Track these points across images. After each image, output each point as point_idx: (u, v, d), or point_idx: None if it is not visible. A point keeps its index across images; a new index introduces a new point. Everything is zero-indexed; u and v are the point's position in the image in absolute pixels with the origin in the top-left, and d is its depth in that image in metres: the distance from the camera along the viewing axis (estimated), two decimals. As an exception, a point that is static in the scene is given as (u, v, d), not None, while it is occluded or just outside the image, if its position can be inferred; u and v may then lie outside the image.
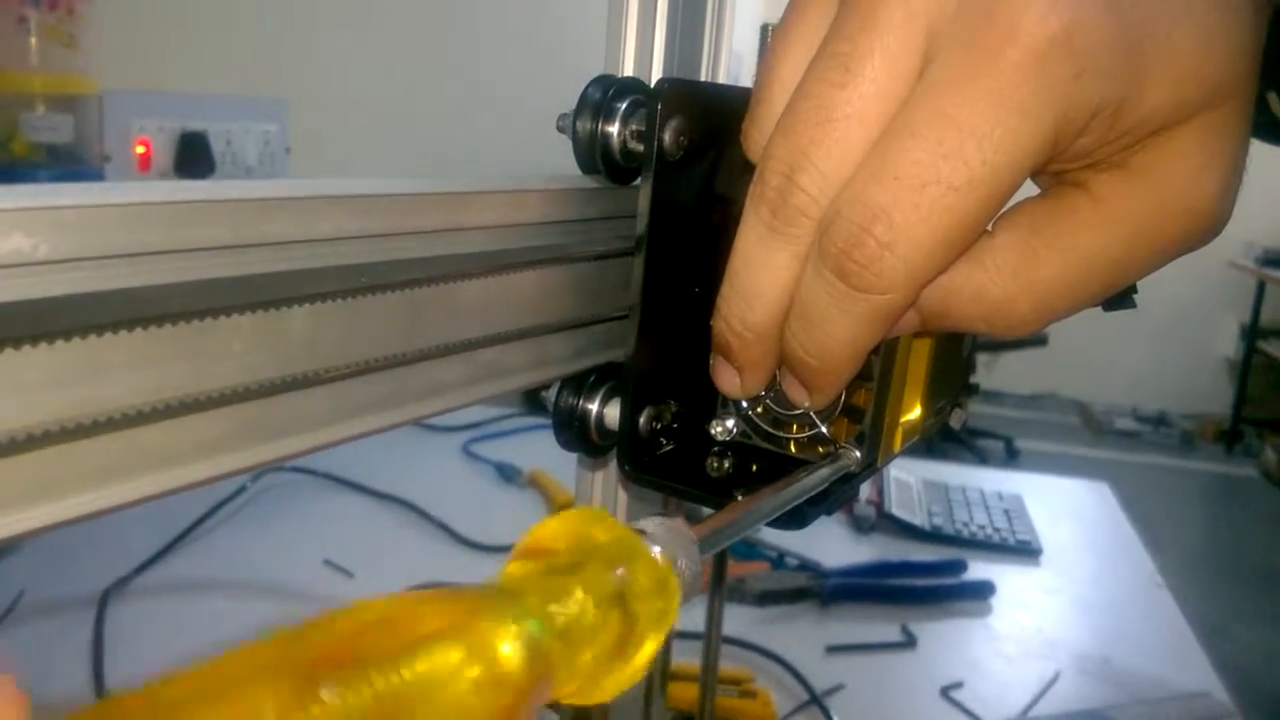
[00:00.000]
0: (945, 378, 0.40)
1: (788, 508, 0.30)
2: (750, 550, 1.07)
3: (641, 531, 0.21)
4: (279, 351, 0.23)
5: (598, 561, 0.19)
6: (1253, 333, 4.61)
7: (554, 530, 0.19)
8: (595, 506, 0.42)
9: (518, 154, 1.21)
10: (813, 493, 0.31)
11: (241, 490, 1.11)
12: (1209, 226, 0.27)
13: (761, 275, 0.28)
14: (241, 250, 0.22)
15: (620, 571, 0.19)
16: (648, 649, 0.19)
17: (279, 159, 1.53)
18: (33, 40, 1.14)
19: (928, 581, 1.05)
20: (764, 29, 0.38)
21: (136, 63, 1.32)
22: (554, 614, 0.17)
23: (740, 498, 0.35)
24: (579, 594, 0.18)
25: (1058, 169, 0.27)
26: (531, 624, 0.16)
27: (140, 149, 1.30)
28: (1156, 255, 0.27)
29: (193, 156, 1.36)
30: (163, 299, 0.20)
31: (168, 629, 0.88)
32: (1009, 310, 0.27)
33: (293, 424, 0.24)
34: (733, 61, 0.44)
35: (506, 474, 1.25)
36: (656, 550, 0.20)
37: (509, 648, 0.16)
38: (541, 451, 1.27)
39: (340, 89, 1.70)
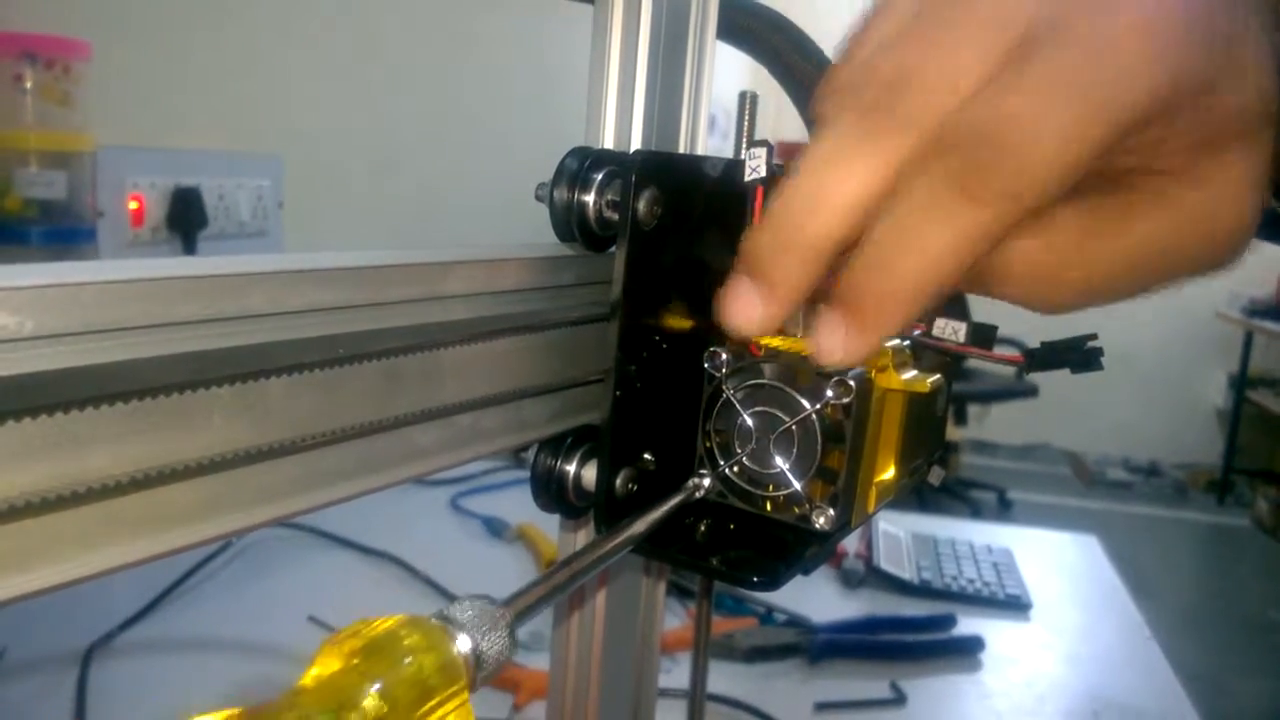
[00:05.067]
0: (919, 438, 0.41)
1: (599, 568, 0.31)
2: (738, 605, 1.07)
3: (448, 619, 0.23)
4: (257, 421, 0.23)
5: (394, 658, 0.20)
6: (1241, 382, 4.64)
7: (361, 628, 0.21)
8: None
9: (508, 211, 1.22)
10: (612, 560, 0.32)
11: (226, 547, 1.11)
12: (1241, 243, 0.29)
13: (838, 181, 0.26)
14: (221, 323, 0.22)
15: (409, 663, 0.21)
16: None
17: (272, 214, 1.55)
18: (28, 99, 1.16)
19: (917, 637, 1.05)
20: (742, 95, 0.40)
21: (131, 119, 1.34)
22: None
23: (716, 562, 0.35)
24: (372, 697, 0.19)
25: (1127, 165, 0.28)
26: None
27: (133, 205, 1.31)
28: (1194, 261, 0.29)
29: (186, 212, 1.37)
30: (143, 373, 0.21)
31: (151, 687, 0.87)
32: (1057, 280, 0.28)
33: (272, 491, 0.24)
34: (720, 117, 0.45)
35: (494, 528, 1.25)
36: (460, 637, 0.22)
37: None
38: (530, 505, 1.26)
39: (333, 145, 1.72)
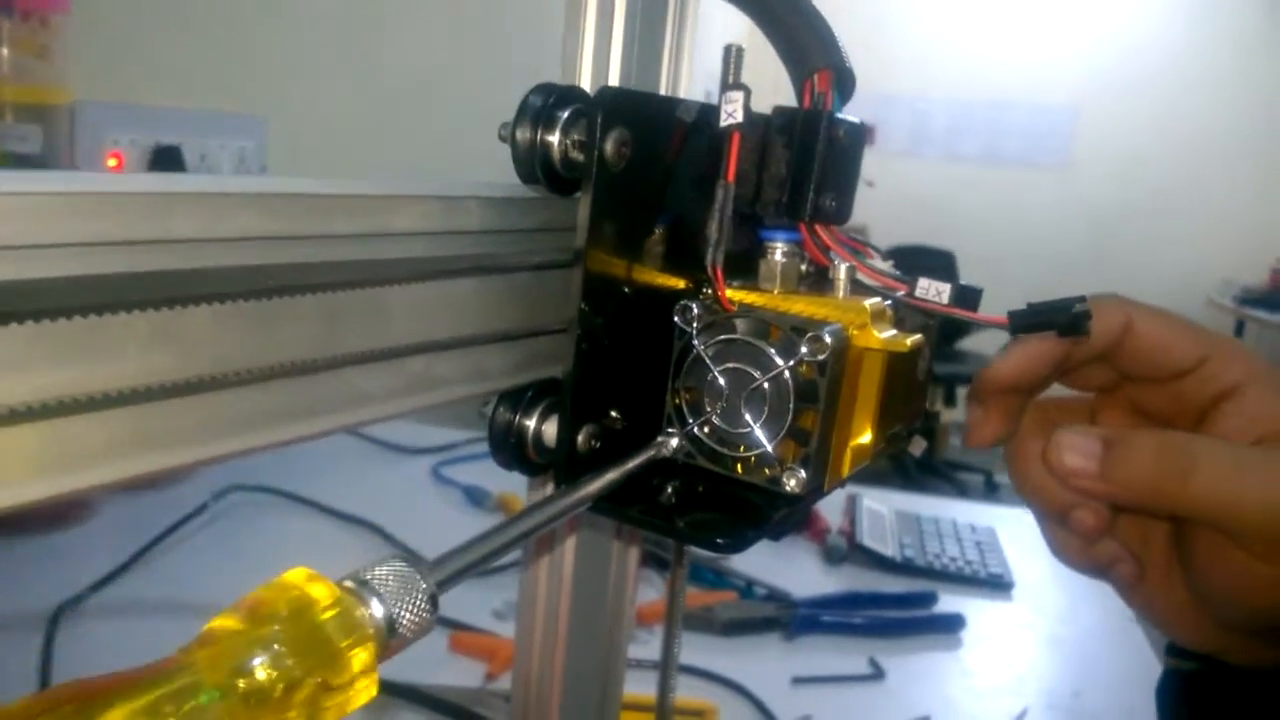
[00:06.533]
0: (900, 404, 0.40)
1: (533, 535, 0.29)
2: (718, 579, 1.06)
3: (365, 583, 0.21)
4: (179, 353, 0.21)
5: (297, 625, 0.19)
6: (1231, 371, 4.62)
7: (270, 591, 0.20)
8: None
9: (498, 174, 1.20)
10: (557, 522, 0.30)
11: (203, 509, 1.09)
12: None
13: None
14: (141, 246, 0.21)
15: (309, 629, 0.19)
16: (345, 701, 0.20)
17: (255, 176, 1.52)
18: (4, 50, 1.13)
19: (898, 614, 1.04)
20: (727, 49, 0.38)
21: (111, 74, 1.31)
22: (238, 685, 0.18)
23: (682, 524, 0.34)
24: (267, 664, 0.18)
25: None
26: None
27: (112, 162, 1.29)
28: None
29: (166, 171, 1.34)
30: (50, 292, 0.19)
31: (119, 651, 0.85)
32: None
33: (195, 430, 0.23)
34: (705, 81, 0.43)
35: (475, 497, 1.23)
36: (374, 603, 0.21)
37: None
38: (511, 474, 1.25)
39: (318, 106, 1.69)
